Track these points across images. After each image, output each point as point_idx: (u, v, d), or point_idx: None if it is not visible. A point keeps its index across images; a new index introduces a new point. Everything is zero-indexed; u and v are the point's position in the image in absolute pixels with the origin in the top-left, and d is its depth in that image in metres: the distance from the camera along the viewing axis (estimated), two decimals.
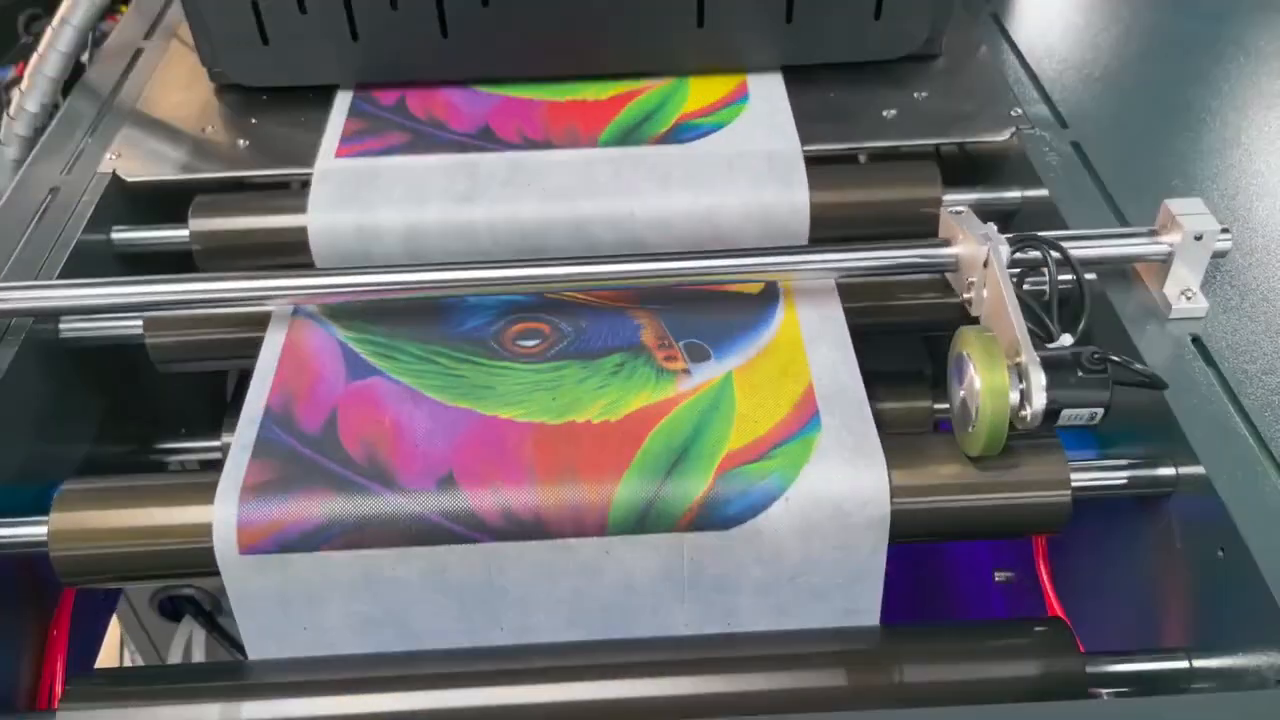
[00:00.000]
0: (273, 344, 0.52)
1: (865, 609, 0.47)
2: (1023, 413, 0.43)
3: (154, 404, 0.67)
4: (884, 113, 0.65)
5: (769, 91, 0.67)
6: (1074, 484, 0.46)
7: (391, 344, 0.52)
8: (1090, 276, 0.51)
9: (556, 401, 0.50)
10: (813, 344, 0.52)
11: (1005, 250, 0.47)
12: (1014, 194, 0.62)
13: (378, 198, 0.59)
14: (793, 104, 0.66)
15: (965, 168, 0.67)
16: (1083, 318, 0.47)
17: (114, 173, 0.63)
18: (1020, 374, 0.44)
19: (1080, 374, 0.43)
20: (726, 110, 0.66)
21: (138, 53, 0.76)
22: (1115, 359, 0.44)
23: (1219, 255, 0.51)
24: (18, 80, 0.77)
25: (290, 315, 0.53)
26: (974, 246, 0.49)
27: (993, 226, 0.49)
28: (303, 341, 0.52)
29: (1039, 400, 0.43)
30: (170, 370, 0.57)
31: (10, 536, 0.46)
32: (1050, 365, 0.43)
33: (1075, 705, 0.43)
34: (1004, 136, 0.63)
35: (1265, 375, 0.48)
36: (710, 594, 0.46)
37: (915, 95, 0.67)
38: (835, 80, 0.68)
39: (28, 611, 0.50)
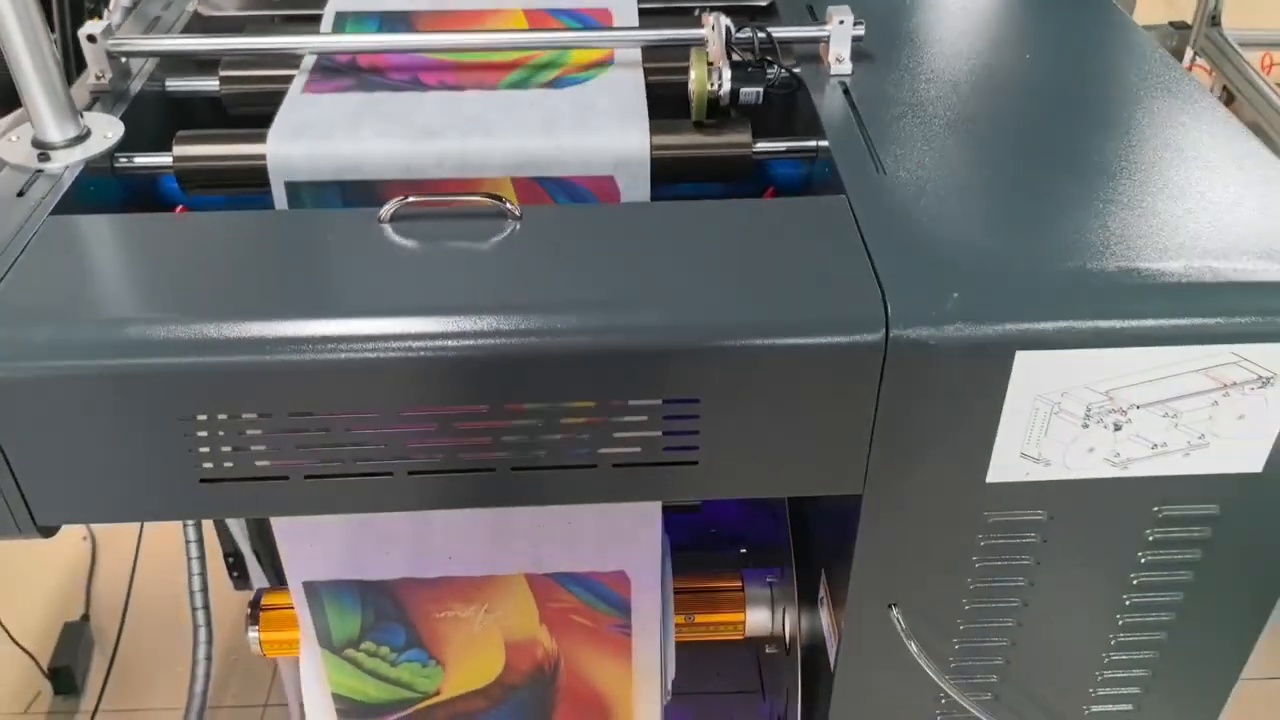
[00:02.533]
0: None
1: None
2: (720, 91, 0.79)
3: None
4: None
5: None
6: (757, 147, 0.81)
7: None
8: (797, 70, 0.87)
9: None
10: None
11: (725, 20, 0.83)
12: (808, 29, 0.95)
13: None
14: None
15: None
16: (778, 67, 0.83)
17: (195, 11, 0.99)
18: (718, 72, 0.79)
19: (749, 70, 0.79)
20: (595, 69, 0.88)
21: None
22: (770, 60, 0.80)
23: (857, 39, 0.86)
24: None
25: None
26: (711, 24, 0.84)
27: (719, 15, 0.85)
28: None
29: (726, 85, 0.79)
30: (238, 112, 0.91)
31: (151, 164, 0.80)
32: (734, 67, 0.79)
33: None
34: (766, 1, 1.00)
35: (871, 105, 0.83)
36: None
37: None
38: None
39: None
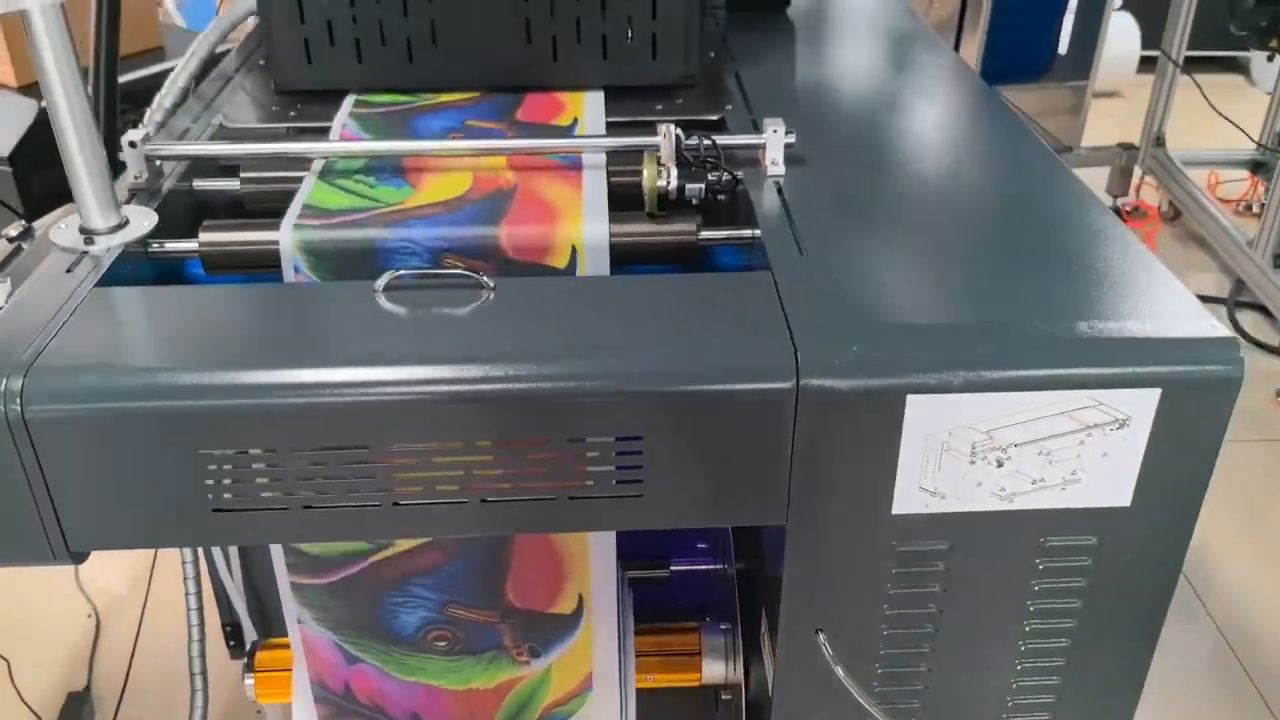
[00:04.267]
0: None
1: None
2: (668, 187, 0.93)
3: None
4: (656, 106, 1.17)
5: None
6: (701, 235, 0.94)
7: (363, 643, 1.01)
8: (738, 172, 1.01)
9: (460, 676, 1.00)
10: (596, 646, 1.01)
11: (675, 130, 0.97)
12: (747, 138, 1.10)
13: None
14: (610, 107, 1.16)
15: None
16: (722, 170, 0.97)
17: (221, 124, 1.14)
18: (667, 172, 0.93)
19: (692, 169, 0.93)
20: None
21: (230, 79, 1.28)
22: (711, 162, 0.93)
23: (789, 146, 1.00)
24: None
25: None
26: (664, 132, 0.99)
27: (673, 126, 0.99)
28: (315, 644, 1.03)
29: (673, 183, 0.92)
30: (256, 208, 1.05)
31: (180, 249, 0.93)
32: (681, 167, 0.93)
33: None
34: (717, 116, 1.14)
35: (799, 200, 0.96)
36: None
37: (677, 101, 1.18)
38: (634, 95, 1.19)
39: None
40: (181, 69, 1.24)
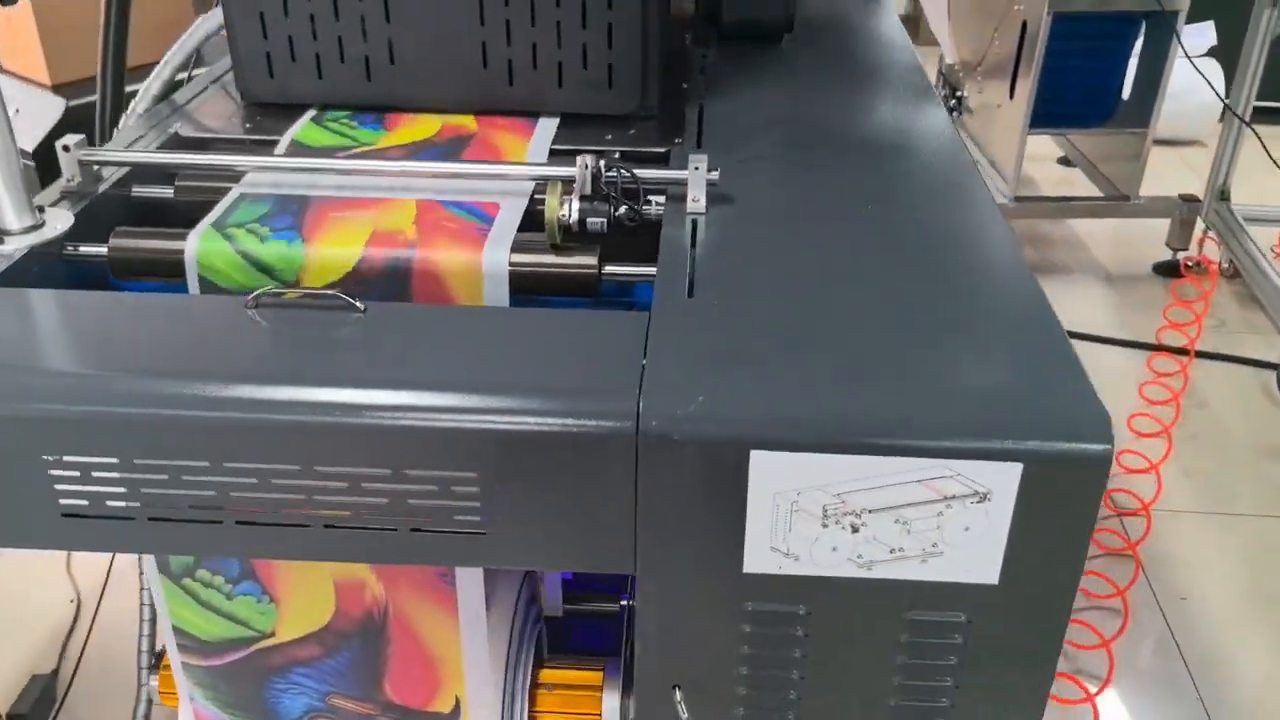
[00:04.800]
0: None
1: None
2: (570, 219, 0.91)
3: None
4: (606, 136, 1.15)
5: None
6: (606, 270, 0.92)
7: None
8: (638, 206, 0.98)
9: None
10: None
11: (593, 161, 0.95)
12: (668, 172, 1.09)
13: None
14: (563, 135, 1.15)
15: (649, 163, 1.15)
16: (624, 203, 0.95)
17: (177, 133, 1.16)
18: (569, 203, 0.91)
19: (595, 204, 0.91)
20: None
21: (206, 88, 1.30)
22: (614, 196, 0.91)
23: (712, 184, 0.98)
24: None
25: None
26: (583, 164, 0.97)
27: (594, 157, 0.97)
28: None
29: (574, 215, 0.91)
30: (194, 218, 1.06)
31: (92, 253, 0.95)
32: (584, 199, 0.91)
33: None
34: (665, 149, 1.12)
35: (710, 239, 0.94)
36: None
37: (629, 132, 1.17)
38: (589, 124, 1.18)
39: None
40: (155, 76, 1.27)
